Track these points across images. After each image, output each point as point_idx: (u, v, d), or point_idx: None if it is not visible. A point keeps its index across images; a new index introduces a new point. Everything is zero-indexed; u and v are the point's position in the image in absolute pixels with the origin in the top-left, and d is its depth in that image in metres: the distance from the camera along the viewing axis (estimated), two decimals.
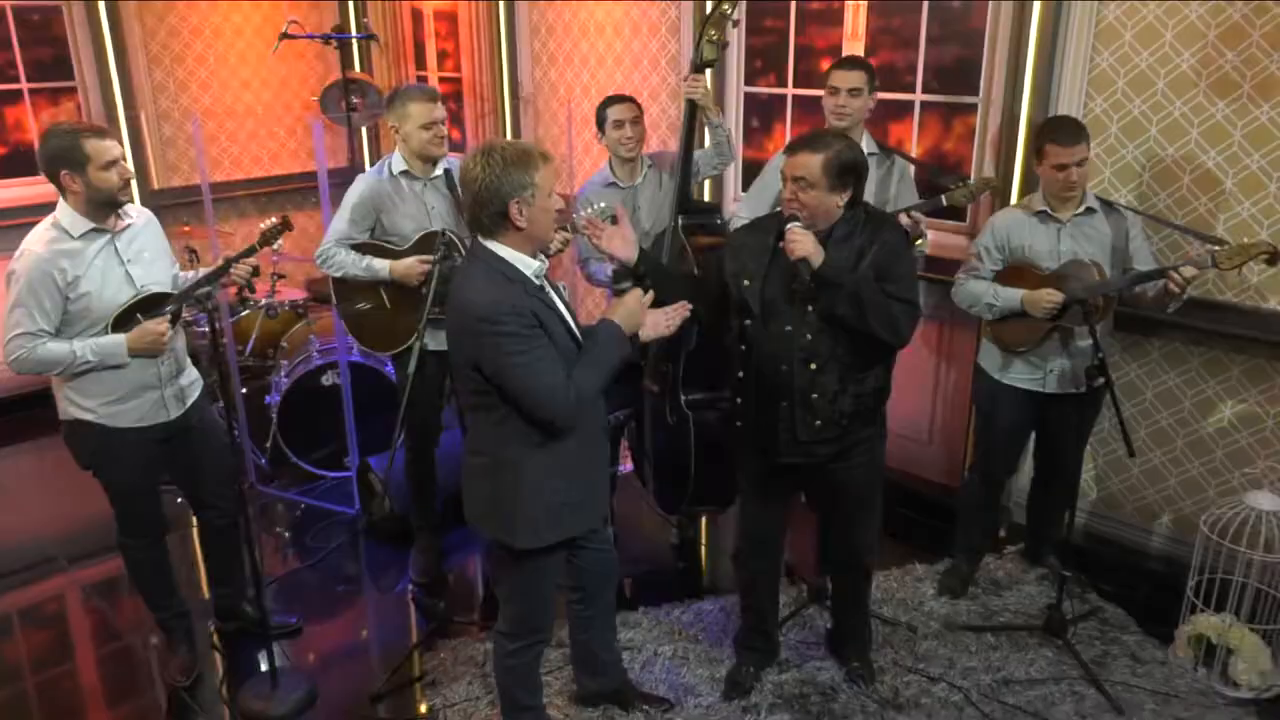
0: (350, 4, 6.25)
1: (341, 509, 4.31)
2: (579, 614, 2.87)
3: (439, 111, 3.33)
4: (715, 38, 3.27)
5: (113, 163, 2.77)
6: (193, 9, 5.71)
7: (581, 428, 2.38)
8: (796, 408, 2.67)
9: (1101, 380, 3.00)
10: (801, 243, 2.55)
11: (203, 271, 3.13)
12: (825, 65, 3.94)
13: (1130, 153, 3.42)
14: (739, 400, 2.78)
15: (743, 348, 2.73)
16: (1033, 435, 3.54)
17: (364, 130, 6.30)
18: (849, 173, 2.57)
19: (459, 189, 2.80)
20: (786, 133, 4.40)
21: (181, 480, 3.19)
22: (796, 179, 2.57)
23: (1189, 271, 2.93)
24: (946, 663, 3.21)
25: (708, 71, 3.37)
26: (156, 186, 5.72)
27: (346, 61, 6.27)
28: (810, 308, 2.61)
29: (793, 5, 4.25)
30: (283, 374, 4.55)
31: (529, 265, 2.35)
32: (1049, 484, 3.56)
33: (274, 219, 3.26)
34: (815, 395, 2.65)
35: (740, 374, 2.75)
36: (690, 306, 2.59)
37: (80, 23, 5.27)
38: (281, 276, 4.91)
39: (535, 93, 5.43)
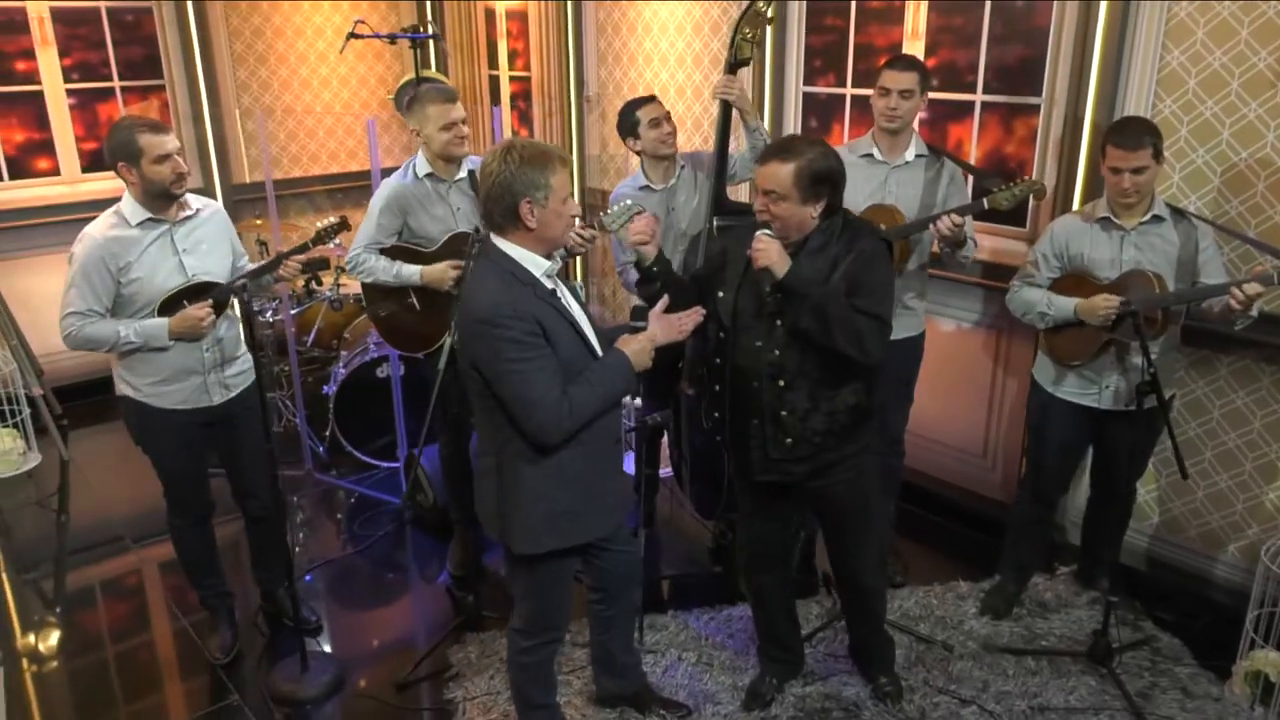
0: (427, 4, 6.39)
1: (391, 499, 4.40)
2: (600, 614, 2.85)
3: (457, 112, 3.32)
4: (750, 36, 3.22)
5: (165, 157, 2.88)
6: (275, 10, 5.92)
7: (585, 438, 2.35)
8: (767, 425, 2.59)
9: (1154, 399, 2.85)
10: (765, 252, 2.44)
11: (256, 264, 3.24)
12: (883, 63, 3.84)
13: (1201, 157, 3.23)
14: (716, 414, 2.72)
15: (717, 360, 2.66)
16: (1090, 453, 3.39)
17: None
18: (823, 182, 2.45)
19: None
20: (844, 133, 4.30)
21: (224, 466, 3.30)
22: (767, 191, 2.47)
23: (1252, 288, 2.73)
24: (980, 685, 3.09)
25: (742, 72, 3.32)
26: (245, 180, 5.95)
27: (424, 61, 6.41)
28: (779, 322, 2.51)
29: (853, 3, 4.15)
30: (341, 365, 4.67)
31: (540, 265, 2.35)
32: (1104, 504, 3.40)
33: (332, 218, 3.33)
34: (784, 413, 2.56)
35: (717, 388, 2.68)
36: (704, 311, 2.55)
37: (170, 22, 5.51)
38: (344, 269, 5.04)
39: (600, 92, 5.44)
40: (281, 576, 3.38)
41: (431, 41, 6.19)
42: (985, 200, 3.08)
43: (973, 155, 3.91)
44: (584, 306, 2.52)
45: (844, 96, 4.29)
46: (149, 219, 2.95)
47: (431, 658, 3.31)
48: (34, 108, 5.28)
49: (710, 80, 4.77)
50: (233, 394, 3.18)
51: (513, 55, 6.07)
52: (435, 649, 3.32)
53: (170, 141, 2.91)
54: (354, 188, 6.35)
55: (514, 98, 6.17)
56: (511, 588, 2.65)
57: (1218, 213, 3.22)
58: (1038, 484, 3.37)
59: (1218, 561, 3.46)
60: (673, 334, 2.49)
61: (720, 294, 2.63)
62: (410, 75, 5.64)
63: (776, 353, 2.54)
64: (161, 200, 2.95)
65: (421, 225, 3.43)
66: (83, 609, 3.77)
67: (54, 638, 3.58)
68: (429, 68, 6.46)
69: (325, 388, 4.70)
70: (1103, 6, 3.30)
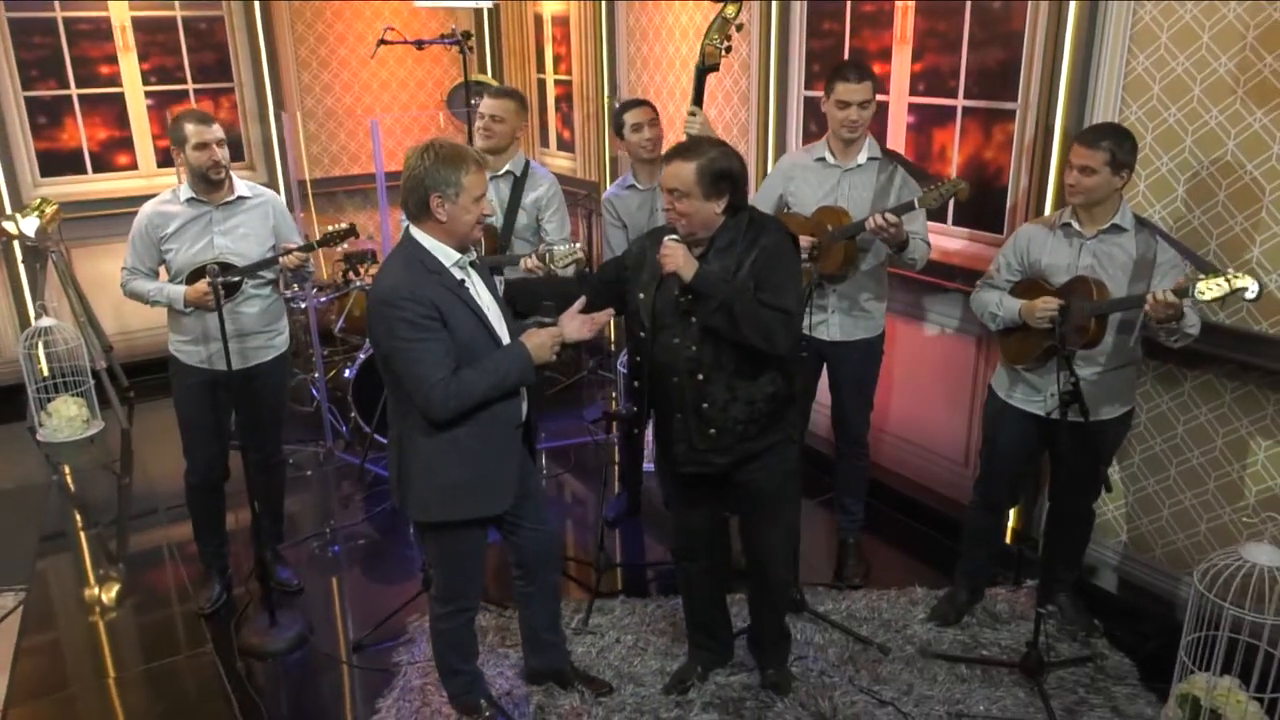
0: (485, 9, 6.67)
1: None
2: (520, 590, 3.01)
3: (489, 106, 3.61)
4: (718, 42, 3.31)
5: (203, 145, 3.25)
6: (338, 17, 6.31)
7: (482, 419, 2.50)
8: (690, 418, 2.69)
9: (1077, 408, 2.81)
10: (671, 257, 2.55)
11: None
12: (877, 68, 3.85)
13: (1165, 165, 3.14)
14: (638, 410, 2.83)
15: (638, 359, 2.77)
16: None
17: None
18: (723, 179, 2.54)
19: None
20: None
21: (238, 422, 3.64)
22: (670, 190, 2.57)
23: (1167, 297, 2.67)
24: (904, 688, 3.09)
25: (713, 78, 3.42)
26: (305, 177, 6.37)
27: (480, 65, 6.73)
28: (693, 319, 2.61)
29: (848, 7, 4.17)
30: (363, 351, 4.97)
31: (450, 256, 2.52)
32: (1058, 519, 3.32)
33: (343, 224, 3.60)
34: (705, 405, 2.66)
35: (637, 384, 2.78)
36: (612, 311, 2.67)
37: (240, 28, 5.96)
38: (375, 261, 5.37)
39: (629, 95, 5.58)
40: (267, 539, 3.68)
41: (490, 46, 6.50)
42: (915, 200, 3.10)
43: (954, 161, 3.88)
44: (503, 302, 2.70)
45: None
46: (194, 198, 3.34)
47: (392, 623, 3.53)
48: (115, 108, 5.80)
49: (723, 84, 4.86)
50: (250, 364, 3.46)
51: (557, 59, 6.28)
52: (392, 615, 3.54)
53: (209, 133, 3.26)
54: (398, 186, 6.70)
55: (558, 100, 6.38)
56: (425, 557, 2.83)
57: (1180, 222, 3.13)
58: (988, 491, 3.35)
59: (1182, 582, 3.34)
60: (583, 332, 2.63)
61: (640, 296, 2.75)
62: (460, 80, 5.96)
63: (693, 348, 2.65)
64: (203, 183, 3.32)
65: None
66: (93, 568, 4.15)
67: (115, 590, 3.95)
68: (484, 72, 6.77)
69: (347, 371, 5.01)
70: (1071, 8, 3.25)
